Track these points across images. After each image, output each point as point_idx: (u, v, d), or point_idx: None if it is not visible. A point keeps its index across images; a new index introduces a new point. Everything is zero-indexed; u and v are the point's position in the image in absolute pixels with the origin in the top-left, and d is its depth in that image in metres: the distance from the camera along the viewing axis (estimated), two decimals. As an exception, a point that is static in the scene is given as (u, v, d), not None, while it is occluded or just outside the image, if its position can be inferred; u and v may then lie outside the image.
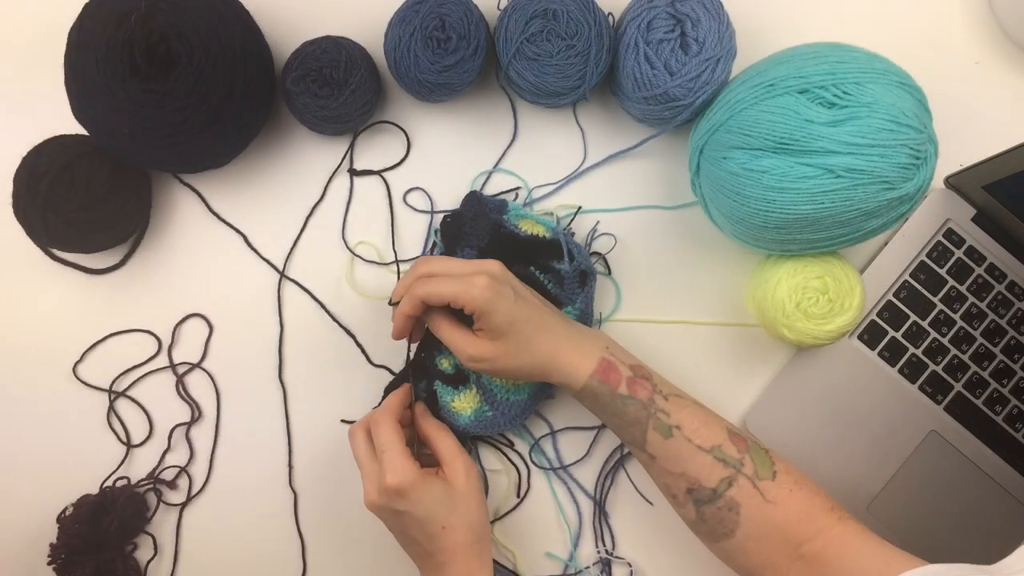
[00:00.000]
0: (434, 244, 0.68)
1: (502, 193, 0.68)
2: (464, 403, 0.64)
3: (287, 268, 0.68)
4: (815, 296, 0.61)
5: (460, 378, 0.65)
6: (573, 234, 0.67)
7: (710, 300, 0.69)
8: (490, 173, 0.69)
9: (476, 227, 0.65)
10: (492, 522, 0.67)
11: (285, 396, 0.68)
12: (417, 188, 0.69)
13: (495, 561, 0.65)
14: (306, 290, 0.68)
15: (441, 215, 0.68)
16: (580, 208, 0.68)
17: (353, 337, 0.68)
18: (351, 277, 0.68)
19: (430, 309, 0.59)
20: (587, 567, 0.67)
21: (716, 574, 0.65)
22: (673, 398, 0.58)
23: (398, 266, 0.68)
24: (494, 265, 0.58)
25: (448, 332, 0.58)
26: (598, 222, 0.68)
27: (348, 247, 0.68)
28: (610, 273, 0.68)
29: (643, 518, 0.67)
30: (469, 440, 0.67)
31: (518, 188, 0.68)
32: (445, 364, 0.65)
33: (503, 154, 0.69)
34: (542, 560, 0.67)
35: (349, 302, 0.68)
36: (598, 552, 0.67)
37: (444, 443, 0.61)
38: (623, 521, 0.68)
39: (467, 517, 0.58)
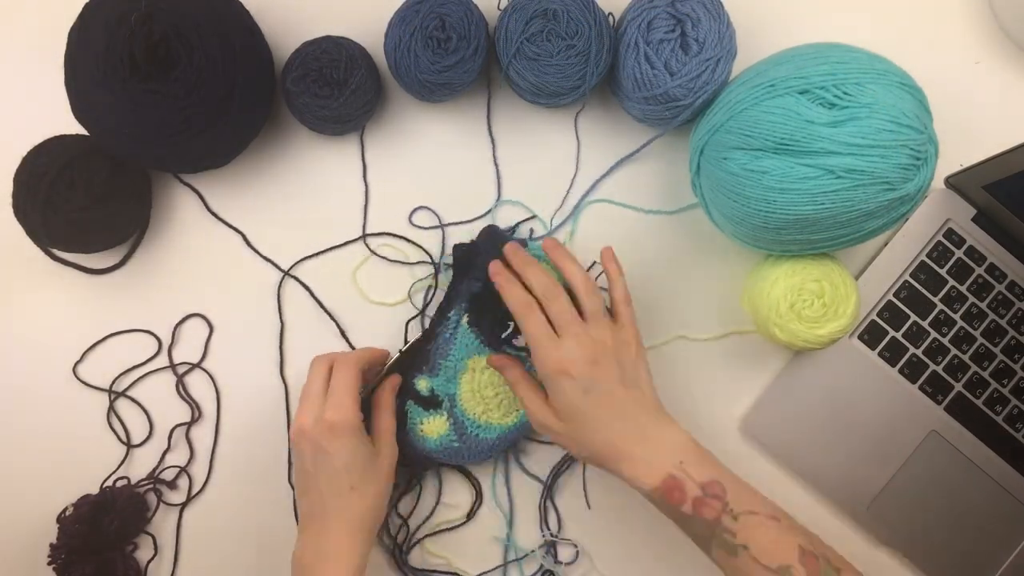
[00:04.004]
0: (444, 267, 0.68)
1: (519, 223, 0.68)
2: (432, 428, 0.64)
3: (289, 266, 0.68)
4: (810, 299, 0.61)
5: (433, 402, 0.65)
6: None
7: (710, 302, 0.69)
8: (495, 205, 0.69)
9: (489, 261, 0.63)
10: (430, 535, 0.67)
11: (287, 392, 0.68)
12: (424, 207, 0.69)
13: (430, 570, 0.66)
14: (306, 287, 0.68)
15: (446, 226, 0.68)
16: (595, 262, 0.68)
17: (345, 336, 0.68)
18: (357, 279, 0.68)
19: (511, 362, 0.62)
20: (532, 551, 0.67)
21: (660, 552, 0.67)
22: (745, 516, 0.55)
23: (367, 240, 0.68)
24: (583, 352, 0.56)
25: (523, 391, 0.59)
26: (594, 267, 0.68)
27: (368, 247, 0.68)
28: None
29: (590, 502, 0.68)
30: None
31: (532, 217, 0.68)
32: (422, 385, 0.65)
33: (498, 182, 0.69)
34: (484, 551, 0.67)
35: (351, 302, 0.68)
36: (543, 535, 0.67)
37: (386, 424, 0.62)
38: (569, 503, 0.68)
39: (376, 491, 0.59)
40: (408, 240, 0.68)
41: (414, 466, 0.66)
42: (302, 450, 0.58)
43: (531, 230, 0.69)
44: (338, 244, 0.68)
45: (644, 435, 0.56)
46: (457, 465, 0.67)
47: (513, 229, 0.68)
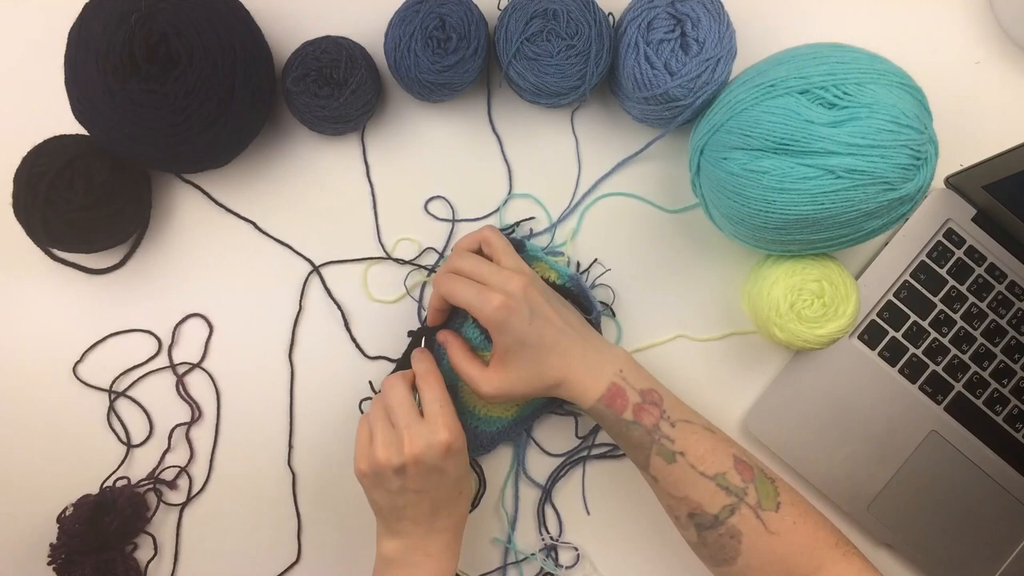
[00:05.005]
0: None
1: (521, 222, 0.68)
2: None
3: (302, 252, 0.69)
4: (810, 299, 0.61)
5: None
6: (584, 274, 0.68)
7: (708, 301, 0.69)
8: (506, 199, 0.69)
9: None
10: None
11: (292, 375, 0.68)
12: (439, 197, 0.69)
13: None
14: (326, 288, 0.68)
15: (457, 221, 0.68)
16: (596, 260, 0.68)
17: (348, 328, 0.68)
18: (366, 280, 0.68)
19: (455, 340, 0.62)
20: (532, 553, 0.67)
21: (661, 555, 0.67)
22: (681, 424, 0.57)
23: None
24: (517, 282, 0.57)
25: (464, 367, 0.60)
26: (594, 265, 0.68)
27: (382, 244, 0.69)
28: (614, 316, 0.68)
29: (590, 505, 0.68)
30: None
31: (532, 218, 0.68)
32: None
33: (510, 178, 0.69)
34: (484, 553, 0.68)
35: (354, 298, 0.69)
36: (542, 539, 0.67)
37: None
38: (570, 507, 0.68)
39: (470, 489, 0.61)
40: (400, 262, 0.69)
41: None
42: (410, 475, 0.56)
43: (531, 229, 0.69)
44: (361, 257, 0.69)
45: (585, 352, 0.58)
46: None
47: (512, 229, 0.68)
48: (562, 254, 0.68)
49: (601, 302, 0.68)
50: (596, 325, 0.65)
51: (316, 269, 0.68)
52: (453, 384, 0.65)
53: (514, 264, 0.60)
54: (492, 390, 0.58)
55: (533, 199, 0.69)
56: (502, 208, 0.69)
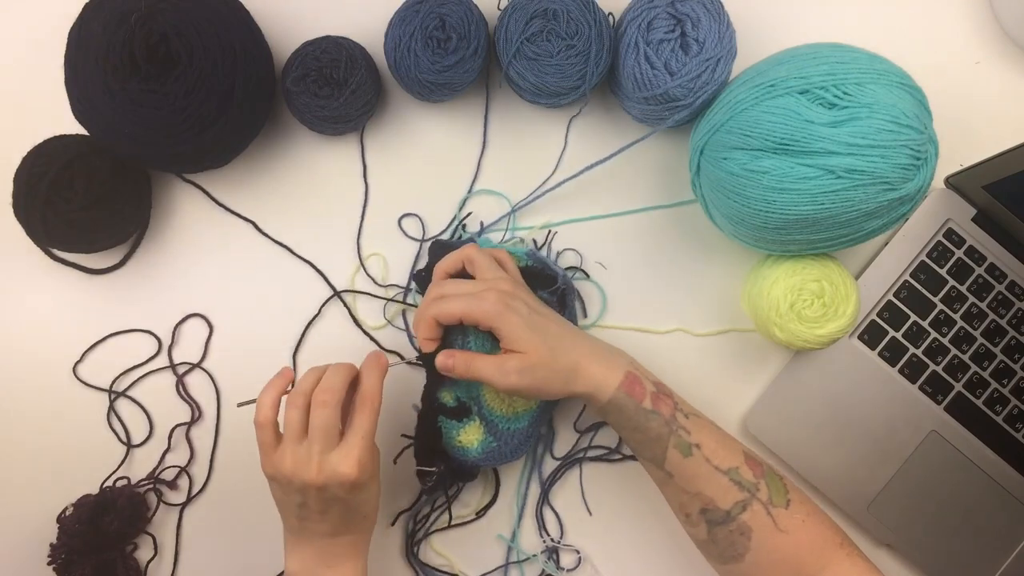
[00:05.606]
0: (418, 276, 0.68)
1: (463, 219, 0.68)
2: (470, 436, 0.63)
3: (300, 250, 0.69)
4: (810, 299, 0.61)
5: (462, 411, 0.63)
6: (544, 249, 0.68)
7: (708, 301, 0.69)
8: (465, 199, 0.69)
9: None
10: (440, 530, 0.67)
11: (296, 375, 0.68)
12: (411, 214, 0.69)
13: (435, 568, 0.67)
14: (349, 311, 0.68)
15: (424, 240, 0.69)
16: (551, 231, 0.68)
17: (366, 337, 0.68)
18: (354, 305, 0.69)
19: (453, 353, 0.58)
20: (533, 555, 0.67)
21: (663, 556, 0.67)
22: (693, 417, 0.57)
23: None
24: (504, 283, 0.58)
25: (479, 364, 0.56)
26: (553, 232, 0.68)
27: (360, 255, 0.69)
28: (588, 277, 0.68)
29: (592, 507, 0.68)
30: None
31: (469, 214, 0.68)
32: (447, 398, 0.64)
33: (475, 174, 0.69)
34: (488, 550, 0.68)
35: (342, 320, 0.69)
36: (543, 541, 0.67)
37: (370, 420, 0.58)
38: (571, 509, 0.68)
39: (375, 508, 0.59)
40: (374, 298, 0.69)
41: (462, 478, 0.65)
42: (311, 498, 0.55)
43: (481, 223, 0.68)
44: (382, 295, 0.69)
45: (594, 345, 0.58)
46: (495, 466, 0.67)
47: (457, 237, 0.68)
48: (521, 240, 0.68)
49: (571, 266, 0.67)
50: (567, 292, 0.65)
51: (337, 294, 0.68)
52: (476, 396, 0.64)
53: (496, 275, 0.59)
54: (515, 367, 0.55)
55: (494, 193, 0.69)
56: (459, 212, 0.69)
